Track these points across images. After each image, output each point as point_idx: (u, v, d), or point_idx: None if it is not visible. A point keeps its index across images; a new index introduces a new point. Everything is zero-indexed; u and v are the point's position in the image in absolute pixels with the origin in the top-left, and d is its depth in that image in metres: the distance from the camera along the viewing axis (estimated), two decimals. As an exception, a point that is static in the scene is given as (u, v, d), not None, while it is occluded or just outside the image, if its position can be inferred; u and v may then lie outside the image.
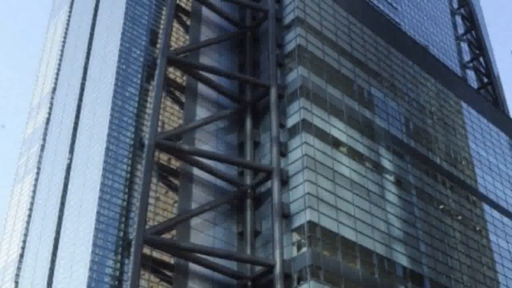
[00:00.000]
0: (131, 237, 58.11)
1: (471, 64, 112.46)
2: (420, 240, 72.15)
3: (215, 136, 69.82)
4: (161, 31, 71.80)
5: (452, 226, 78.50)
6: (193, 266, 60.68)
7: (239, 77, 74.32)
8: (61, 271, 60.21)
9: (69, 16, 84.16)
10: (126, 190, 61.34)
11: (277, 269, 58.92)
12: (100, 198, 59.70)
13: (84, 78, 73.38)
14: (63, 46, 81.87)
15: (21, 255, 67.31)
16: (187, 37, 74.78)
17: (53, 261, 61.92)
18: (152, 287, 57.64)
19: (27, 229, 68.97)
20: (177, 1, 75.04)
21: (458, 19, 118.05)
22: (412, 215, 73.25)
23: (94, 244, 57.46)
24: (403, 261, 67.95)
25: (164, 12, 73.49)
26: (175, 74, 71.00)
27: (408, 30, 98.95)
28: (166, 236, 60.51)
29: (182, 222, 61.85)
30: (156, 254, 59.21)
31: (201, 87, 71.99)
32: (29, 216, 69.70)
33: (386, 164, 73.99)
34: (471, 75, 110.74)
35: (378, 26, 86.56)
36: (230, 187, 67.49)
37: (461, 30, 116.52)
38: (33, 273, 63.84)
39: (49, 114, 77.07)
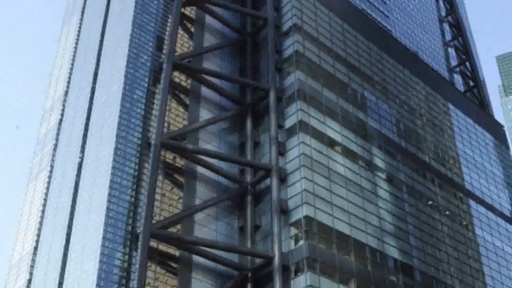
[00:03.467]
0: (138, 231, 58.04)
1: (458, 69, 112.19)
2: (411, 234, 72.07)
3: (218, 136, 69.75)
4: (166, 37, 71.72)
5: (440, 221, 78.44)
6: (196, 258, 60.66)
7: (240, 80, 74.27)
8: (72, 264, 60.17)
9: (80, 24, 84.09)
10: (134, 187, 61.25)
11: (276, 261, 58.85)
12: (109, 194, 59.65)
13: (94, 82, 73.30)
14: (74, 52, 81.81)
15: (35, 248, 67.27)
16: (191, 43, 74.73)
17: (65, 254, 61.88)
18: (158, 278, 57.59)
19: (40, 224, 68.93)
20: (182, 10, 74.92)
21: (446, 26, 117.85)
22: (403, 210, 73.17)
23: (104, 238, 57.38)
24: (395, 253, 67.88)
25: (169, 20, 73.40)
26: (180, 78, 70.92)
27: (399, 37, 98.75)
28: (172, 230, 60.46)
29: (187, 217, 61.80)
30: (162, 247, 59.17)
31: (204, 90, 71.93)
32: (43, 211, 69.64)
33: (378, 162, 73.91)
34: (458, 79, 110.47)
35: (371, 33, 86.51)
36: (231, 184, 67.43)
37: (448, 37, 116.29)
38: (46, 265, 63.80)
39: (62, 115, 77.02)
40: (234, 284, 60.97)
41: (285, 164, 65.19)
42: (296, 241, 60.30)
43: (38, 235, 68.14)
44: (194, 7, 77.31)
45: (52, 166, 72.90)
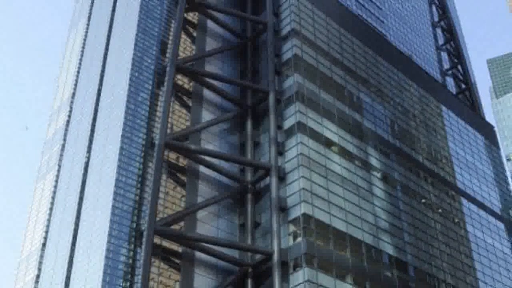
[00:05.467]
0: (143, 228, 58.01)
1: (450, 72, 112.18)
2: (405, 231, 72.06)
3: (219, 137, 69.72)
4: (170, 41, 71.65)
5: (433, 218, 78.42)
6: (199, 254, 60.62)
7: (240, 83, 74.23)
8: (79, 259, 60.10)
9: (87, 28, 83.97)
10: (139, 185, 61.19)
11: (275, 257, 58.82)
12: (115, 193, 59.57)
13: (100, 84, 73.22)
14: (81, 55, 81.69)
15: (44, 245, 67.14)
16: (194, 47, 74.71)
17: (72, 250, 61.80)
18: (162, 274, 57.55)
19: (48, 221, 68.79)
20: (185, 15, 74.95)
21: (439, 31, 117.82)
22: (397, 208, 73.16)
23: (110, 235, 57.33)
24: (389, 250, 67.85)
25: (173, 25, 73.38)
26: (182, 80, 70.88)
27: (394, 41, 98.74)
28: (175, 227, 60.42)
29: (189, 214, 61.78)
30: (165, 243, 59.13)
31: (206, 92, 71.90)
32: (51, 209, 69.52)
33: (374, 162, 73.89)
34: (450, 81, 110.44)
35: (366, 37, 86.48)
36: (232, 183, 67.39)
37: (441, 41, 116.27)
38: (54, 261, 63.73)
39: (69, 117, 76.87)
40: (235, 279, 60.95)
41: (284, 163, 65.16)
42: (295, 238, 60.26)
43: (46, 232, 68.03)
44: (196, 13, 77.31)
45: (59, 166, 72.80)
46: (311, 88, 70.72)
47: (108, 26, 78.20)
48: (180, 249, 60.04)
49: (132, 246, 57.91)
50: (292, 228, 61.06)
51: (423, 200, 78.54)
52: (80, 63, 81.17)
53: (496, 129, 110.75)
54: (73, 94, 78.85)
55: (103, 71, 74.25)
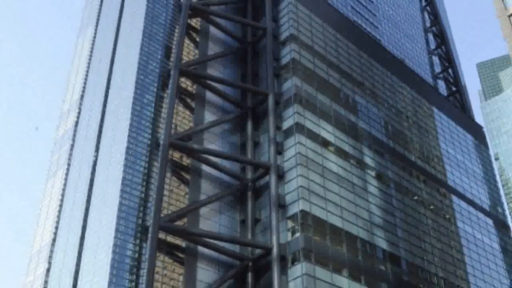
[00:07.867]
0: (148, 224, 58.01)
1: (441, 75, 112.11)
2: (398, 226, 72.06)
3: (221, 137, 69.71)
4: (174, 46, 71.67)
5: (425, 214, 78.41)
6: (201, 249, 60.63)
7: (241, 86, 74.23)
8: (88, 254, 60.12)
9: (95, 33, 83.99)
10: (144, 183, 61.22)
11: (274, 251, 58.83)
12: (121, 190, 59.61)
13: (108, 87, 73.24)
14: (89, 59, 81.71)
15: (53, 240, 67.18)
16: (197, 51, 74.68)
17: (81, 245, 61.83)
18: (166, 267, 57.57)
19: (58, 217, 68.82)
20: (188, 21, 74.91)
21: (430, 36, 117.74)
22: (391, 205, 73.15)
23: (117, 230, 57.36)
24: (383, 245, 67.85)
25: (177, 30, 73.37)
26: (186, 83, 70.87)
27: (387, 46, 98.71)
28: (179, 223, 60.43)
29: (192, 211, 61.78)
30: (170, 238, 59.14)
31: (209, 95, 71.90)
32: (60, 206, 69.54)
33: (368, 161, 73.88)
34: (441, 84, 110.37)
35: (361, 42, 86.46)
36: (233, 181, 67.37)
37: (432, 46, 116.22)
38: (64, 255, 63.76)
39: (78, 118, 76.90)
40: (235, 272, 60.96)
41: (283, 162, 65.14)
42: (293, 233, 60.25)
43: (56, 228, 68.04)
44: (199, 19, 77.30)
45: (69, 164, 72.79)
46: (309, 91, 70.71)
47: (115, 32, 78.23)
48: (183, 244, 60.05)
49: (138, 241, 57.93)
50: (290, 224, 61.06)
51: (415, 197, 78.52)
52: (88, 67, 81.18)
53: (485, 129, 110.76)
54: (82, 97, 78.84)
55: (110, 74, 74.27)
